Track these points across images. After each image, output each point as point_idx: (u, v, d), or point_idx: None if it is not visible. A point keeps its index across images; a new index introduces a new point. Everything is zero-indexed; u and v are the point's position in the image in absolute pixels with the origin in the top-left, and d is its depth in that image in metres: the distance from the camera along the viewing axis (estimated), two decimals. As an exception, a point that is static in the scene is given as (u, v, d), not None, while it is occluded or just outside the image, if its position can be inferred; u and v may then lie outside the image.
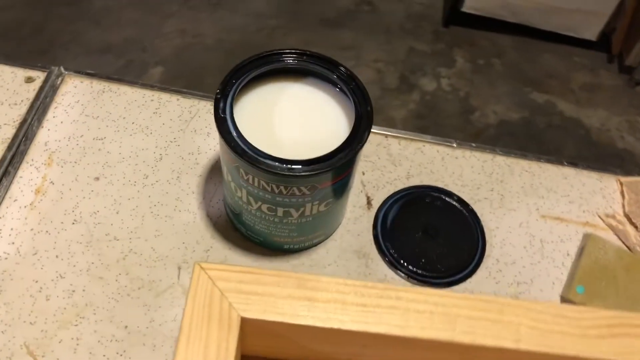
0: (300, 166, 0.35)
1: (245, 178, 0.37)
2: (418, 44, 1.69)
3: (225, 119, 0.36)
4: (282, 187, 0.36)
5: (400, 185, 0.48)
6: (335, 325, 0.31)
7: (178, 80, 1.53)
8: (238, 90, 0.38)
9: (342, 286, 0.32)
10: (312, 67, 0.39)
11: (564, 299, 0.43)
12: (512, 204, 0.48)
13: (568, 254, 0.45)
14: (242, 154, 0.35)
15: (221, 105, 0.37)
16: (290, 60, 0.39)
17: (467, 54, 1.68)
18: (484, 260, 0.45)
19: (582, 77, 1.66)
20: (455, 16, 1.68)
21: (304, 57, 0.39)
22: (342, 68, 0.39)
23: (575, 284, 0.42)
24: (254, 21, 1.71)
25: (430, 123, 1.55)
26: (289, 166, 0.35)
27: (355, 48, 1.64)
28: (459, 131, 1.54)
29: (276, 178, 0.35)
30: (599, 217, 0.47)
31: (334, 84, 0.40)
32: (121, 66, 1.55)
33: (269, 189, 0.36)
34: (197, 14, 1.71)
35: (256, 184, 0.36)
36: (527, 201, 0.48)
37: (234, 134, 0.36)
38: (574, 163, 0.50)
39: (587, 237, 0.45)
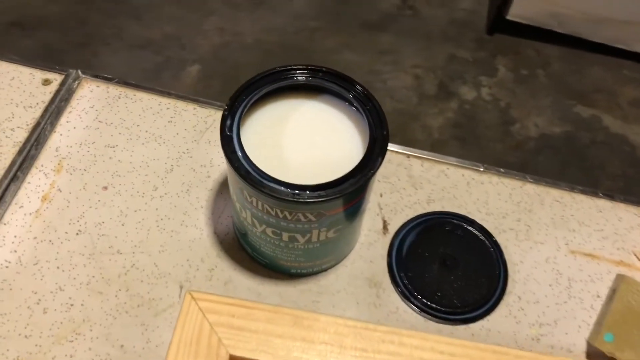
0: (306, 192, 0.33)
1: (249, 200, 0.35)
2: (459, 51, 1.65)
3: (231, 137, 0.34)
4: (286, 212, 0.34)
5: (420, 210, 0.45)
6: (330, 370, 0.29)
7: (214, 79, 1.53)
8: (247, 108, 0.36)
9: (342, 327, 0.30)
10: (328, 84, 0.37)
11: (591, 346, 0.40)
12: (539, 237, 0.44)
13: (598, 296, 0.42)
14: (246, 176, 0.33)
15: (228, 122, 0.35)
16: (304, 77, 0.37)
17: (510, 63, 1.63)
18: (505, 296, 0.42)
19: (631, 92, 1.59)
20: (500, 24, 1.63)
21: (320, 74, 0.37)
22: (358, 87, 0.36)
23: (604, 330, 0.39)
24: (293, 22, 1.69)
25: (468, 133, 1.51)
26: (294, 191, 0.33)
27: (395, 52, 1.61)
28: (498, 142, 1.49)
29: (280, 203, 0.33)
30: (635, 256, 0.44)
31: (350, 103, 0.37)
32: (160, 62, 1.55)
33: (273, 213, 0.34)
34: (237, 13, 1.70)
35: (260, 207, 0.34)
36: (556, 234, 0.44)
37: (239, 154, 0.34)
38: (610, 195, 0.47)
39: (620, 278, 0.42)
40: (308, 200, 0.33)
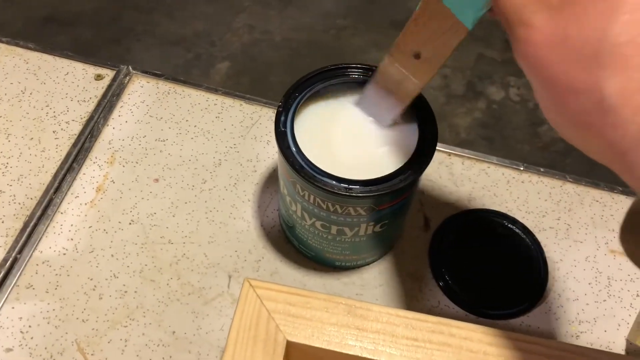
0: (358, 186, 0.34)
1: (301, 194, 0.36)
2: (488, 50, 1.64)
3: (285, 133, 0.36)
4: (337, 206, 0.35)
5: (461, 208, 0.46)
6: (383, 358, 0.30)
7: (243, 76, 1.54)
8: (300, 104, 0.37)
9: (393, 317, 0.31)
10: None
11: (630, 344, 0.40)
12: (579, 236, 0.45)
13: (638, 295, 0.43)
14: (300, 170, 0.34)
15: (282, 118, 0.36)
16: (356, 75, 0.38)
17: (539, 63, 1.62)
18: (545, 294, 0.42)
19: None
20: (529, 24, 1.62)
21: (370, 73, 0.38)
22: (408, 86, 0.37)
23: (643, 328, 0.40)
24: (322, 20, 1.71)
25: (495, 133, 1.51)
26: (347, 186, 0.34)
27: (423, 52, 1.61)
28: (525, 143, 1.49)
29: (332, 197, 0.34)
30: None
31: (399, 102, 0.38)
32: (190, 59, 1.57)
33: (324, 207, 0.36)
34: (267, 11, 1.72)
35: (312, 200, 0.36)
36: (595, 234, 0.45)
37: (293, 149, 0.35)
38: (650, 196, 0.47)
39: (660, 279, 0.42)
40: (360, 194, 0.34)
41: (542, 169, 0.48)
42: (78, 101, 0.49)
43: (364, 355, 0.30)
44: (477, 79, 1.58)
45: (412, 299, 0.42)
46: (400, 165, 0.35)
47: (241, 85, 1.53)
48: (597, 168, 0.49)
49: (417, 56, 0.33)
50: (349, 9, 1.74)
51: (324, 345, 0.30)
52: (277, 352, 0.29)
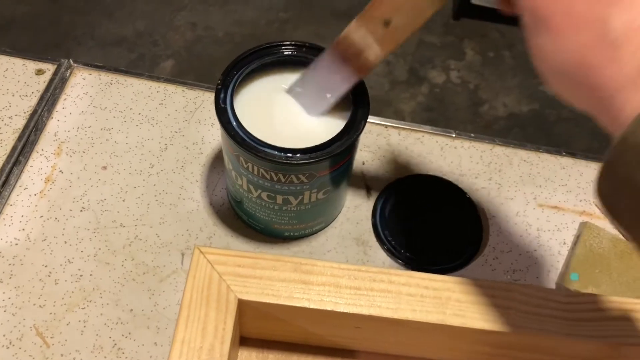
0: (298, 154, 0.36)
1: (245, 166, 0.38)
2: (428, 36, 1.69)
3: (225, 109, 0.37)
4: (280, 175, 0.37)
5: (399, 175, 0.48)
6: (329, 307, 0.32)
7: (188, 73, 1.54)
8: (239, 82, 0.39)
9: (337, 270, 0.33)
10: (312, 58, 0.40)
11: (559, 286, 0.44)
12: (509, 193, 0.48)
13: (564, 243, 0.46)
14: (242, 143, 0.36)
15: (222, 95, 0.38)
16: (289, 51, 0.40)
17: (477, 46, 1.68)
18: (481, 248, 0.45)
19: (593, 69, 1.65)
20: (465, 9, 1.68)
21: (303, 49, 0.40)
22: (339, 59, 0.40)
23: (569, 271, 0.43)
24: (264, 14, 1.72)
25: (439, 116, 1.56)
26: (287, 154, 0.36)
27: (365, 41, 1.65)
28: (468, 124, 1.54)
29: (274, 166, 0.36)
30: (596, 205, 0.48)
31: (332, 75, 0.40)
32: (133, 60, 1.56)
33: (268, 177, 0.38)
34: (207, 7, 1.72)
35: (255, 172, 0.38)
36: (524, 190, 0.49)
37: (234, 123, 0.37)
38: (572, 153, 0.51)
39: (583, 226, 0.46)
40: (300, 162, 0.36)
41: (472, 135, 0.51)
42: (20, 96, 0.50)
43: (311, 306, 0.32)
44: (418, 65, 1.63)
45: (358, 261, 0.44)
46: (338, 132, 0.37)
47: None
48: (536, 142, 0.52)
49: (386, 23, 0.32)
50: (290, 2, 1.75)
51: (274, 301, 0.32)
52: (230, 310, 0.31)
